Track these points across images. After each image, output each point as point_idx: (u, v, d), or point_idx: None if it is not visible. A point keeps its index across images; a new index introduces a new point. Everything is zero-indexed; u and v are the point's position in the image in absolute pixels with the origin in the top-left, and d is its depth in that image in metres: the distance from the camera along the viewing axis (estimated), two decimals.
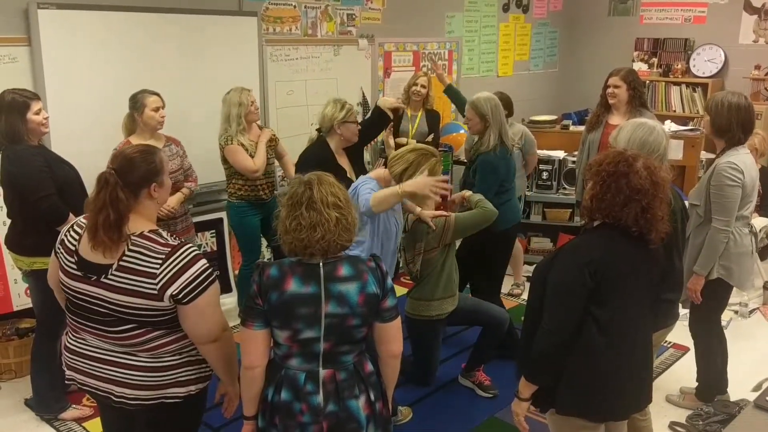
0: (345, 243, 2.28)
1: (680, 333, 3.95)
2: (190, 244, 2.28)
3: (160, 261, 2.18)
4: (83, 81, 4.41)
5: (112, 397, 2.33)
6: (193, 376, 2.33)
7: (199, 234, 5.07)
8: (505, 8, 7.54)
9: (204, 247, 5.14)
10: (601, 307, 2.37)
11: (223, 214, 5.19)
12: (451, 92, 5.29)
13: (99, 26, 4.45)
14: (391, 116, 4.33)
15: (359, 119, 4.50)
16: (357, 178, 3.72)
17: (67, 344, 2.41)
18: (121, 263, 2.20)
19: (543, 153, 6.19)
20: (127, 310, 2.21)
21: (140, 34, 4.64)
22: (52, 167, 3.42)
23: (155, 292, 2.17)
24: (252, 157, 4.38)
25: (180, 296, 2.18)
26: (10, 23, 4.17)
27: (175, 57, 4.83)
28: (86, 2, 4.39)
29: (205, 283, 2.21)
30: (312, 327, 2.22)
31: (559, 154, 6.19)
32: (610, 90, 4.63)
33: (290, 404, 2.25)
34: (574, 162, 5.88)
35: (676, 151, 6.50)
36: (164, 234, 2.28)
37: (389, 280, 2.34)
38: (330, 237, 2.22)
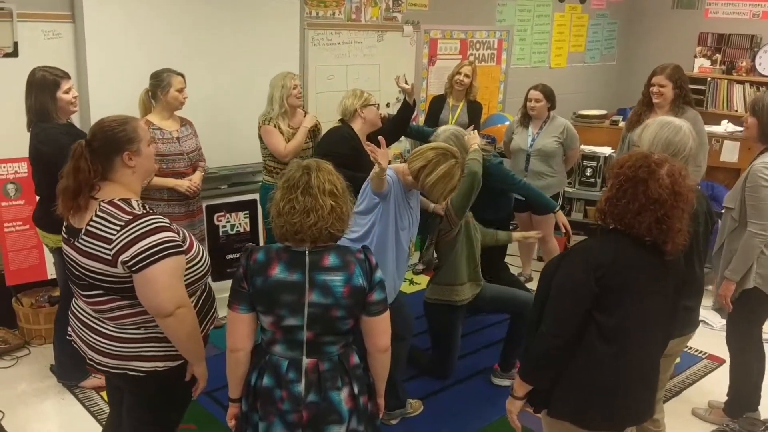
0: (337, 232, 2.26)
1: (716, 343, 3.79)
2: (158, 217, 2.28)
3: (118, 228, 2.21)
4: (124, 58, 4.50)
5: (87, 359, 2.42)
6: (159, 353, 2.35)
7: (233, 214, 5.15)
8: None
9: (237, 228, 5.21)
10: (605, 314, 2.28)
11: (257, 196, 5.24)
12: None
13: (141, 5, 4.53)
14: (413, 106, 4.36)
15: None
16: None
17: (71, 307, 2.52)
18: (88, 227, 2.25)
19: (588, 149, 6.04)
20: (92, 275, 2.26)
21: (182, 13, 4.70)
22: None
23: (109, 257, 2.20)
24: (288, 141, 4.40)
25: (131, 263, 2.19)
26: (55, 0, 4.28)
27: (216, 37, 4.87)
28: None
29: (160, 255, 2.20)
30: (295, 315, 2.21)
31: (606, 150, 6.02)
32: (655, 89, 4.46)
33: (271, 390, 2.25)
34: None
35: (731, 153, 6.26)
36: (136, 203, 2.30)
37: (378, 273, 2.30)
38: (322, 224, 2.20)
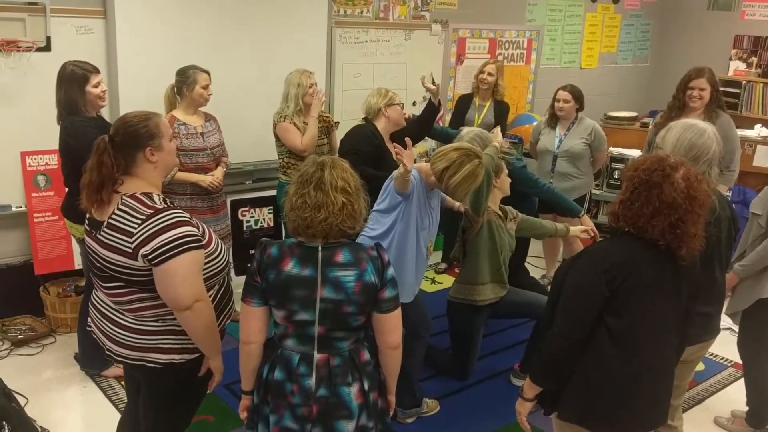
0: (347, 229, 2.26)
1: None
2: (178, 211, 2.32)
3: (139, 221, 2.25)
4: (153, 53, 4.56)
5: (105, 350, 2.47)
6: (175, 346, 2.39)
7: (257, 210, 5.20)
8: None
9: (261, 223, 5.26)
10: (616, 317, 2.26)
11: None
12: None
13: (171, 2, 4.60)
14: (438, 106, 4.36)
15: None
16: None
17: (91, 298, 2.57)
18: (110, 220, 2.29)
19: (617, 151, 5.98)
20: (113, 267, 2.30)
21: (211, 10, 4.76)
22: None
23: (130, 250, 2.24)
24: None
25: (151, 257, 2.23)
26: None
27: (244, 35, 4.92)
28: None
29: (180, 249, 2.23)
30: (307, 310, 2.23)
31: (635, 153, 5.94)
32: (695, 93, 4.38)
33: (282, 384, 2.27)
34: None
35: (764, 158, 6.15)
36: (157, 198, 2.33)
37: (390, 271, 2.30)
38: (332, 220, 2.22)
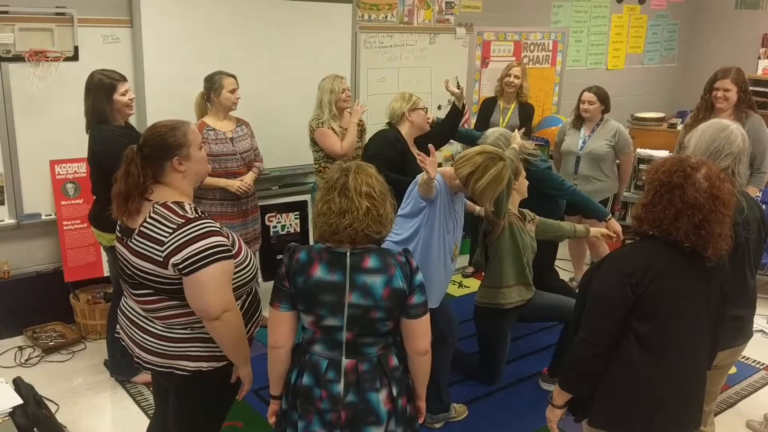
0: (374, 234, 2.25)
1: None
2: (209, 221, 2.32)
3: (171, 230, 2.25)
4: (180, 62, 4.61)
5: (134, 357, 2.47)
6: (204, 353, 2.38)
7: (284, 215, 5.21)
8: None
9: (287, 228, 5.27)
10: (643, 322, 2.22)
11: (307, 197, 5.28)
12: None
13: (196, 10, 4.64)
14: (462, 110, 4.33)
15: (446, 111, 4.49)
16: None
17: (120, 305, 2.58)
18: (141, 228, 2.30)
19: (645, 152, 5.90)
20: (143, 274, 2.31)
21: (236, 18, 4.79)
22: None
23: (161, 259, 2.25)
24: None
25: (181, 266, 2.23)
26: (114, 6, 4.43)
27: (270, 41, 4.95)
28: None
29: (210, 259, 2.23)
30: (335, 315, 2.22)
31: (663, 154, 5.84)
32: (720, 94, 4.32)
33: (311, 389, 2.26)
34: None
35: None
36: (189, 207, 2.33)
37: (419, 276, 2.29)
38: (357, 226, 2.20)
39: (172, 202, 2.32)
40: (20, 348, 4.21)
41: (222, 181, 4.08)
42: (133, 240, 2.32)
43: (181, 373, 2.39)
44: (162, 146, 2.34)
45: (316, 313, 2.23)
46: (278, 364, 2.32)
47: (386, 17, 5.55)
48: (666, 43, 7.89)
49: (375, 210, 2.24)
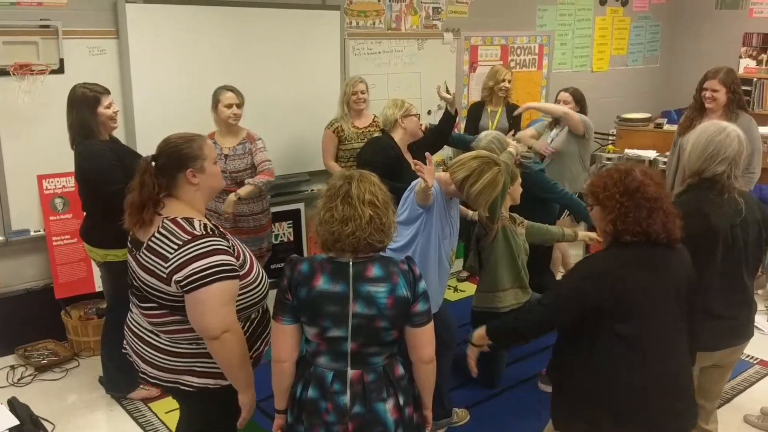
0: (376, 243, 2.23)
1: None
2: (216, 239, 2.28)
3: (176, 246, 2.23)
4: (167, 72, 4.58)
5: (139, 372, 2.44)
6: (210, 370, 2.35)
7: (277, 224, 5.17)
8: (603, 1, 7.26)
9: (281, 237, 5.23)
10: (622, 323, 2.27)
11: (300, 206, 5.26)
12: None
13: (183, 20, 4.61)
14: (455, 116, 4.38)
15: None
16: None
17: (127, 320, 2.56)
18: (149, 243, 2.29)
19: (633, 153, 5.94)
20: (149, 289, 2.30)
21: (224, 27, 4.76)
22: (122, 160, 3.48)
23: (164, 275, 2.23)
24: (344, 142, 4.64)
25: (183, 283, 2.21)
26: (99, 17, 4.38)
27: (258, 50, 4.93)
28: None
29: (212, 278, 2.21)
30: (339, 326, 2.20)
31: (650, 154, 5.90)
32: (707, 94, 4.32)
33: (316, 402, 2.23)
34: (665, 163, 5.57)
35: None
36: (198, 223, 2.31)
37: (422, 284, 2.27)
38: (360, 234, 2.18)
39: (181, 218, 2.30)
40: (12, 367, 4.14)
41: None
42: (141, 254, 2.29)
43: (186, 388, 2.36)
44: (176, 157, 2.34)
45: (320, 324, 2.21)
46: (283, 378, 2.29)
47: (374, 24, 5.54)
48: (649, 44, 7.95)
49: (378, 218, 2.22)
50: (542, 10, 6.75)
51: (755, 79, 7.16)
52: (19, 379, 4.03)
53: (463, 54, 6.17)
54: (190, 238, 2.24)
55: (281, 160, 4.93)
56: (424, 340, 2.29)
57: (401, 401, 2.28)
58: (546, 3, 6.77)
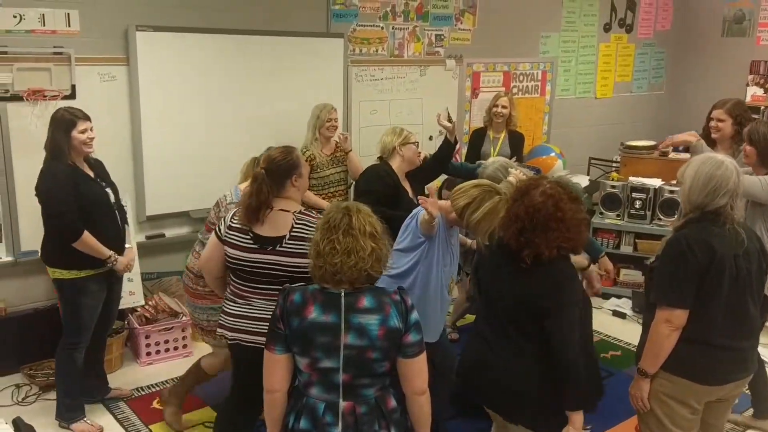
0: (375, 273, 2.29)
1: None
2: None
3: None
4: (176, 98, 4.68)
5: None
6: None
7: None
8: (606, 28, 7.33)
9: None
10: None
11: None
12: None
13: (192, 47, 4.71)
14: (454, 144, 4.41)
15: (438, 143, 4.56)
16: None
17: (229, 310, 2.99)
18: (293, 233, 2.85)
19: (637, 180, 5.96)
20: (298, 269, 2.78)
21: (231, 54, 4.87)
22: (79, 186, 3.53)
23: None
24: (316, 170, 4.73)
25: None
26: (110, 44, 4.49)
27: (264, 76, 5.03)
28: (180, 25, 4.67)
29: None
30: (330, 357, 2.24)
31: (655, 182, 5.91)
32: (713, 123, 4.32)
33: None
34: (672, 192, 5.61)
35: None
36: (314, 212, 2.96)
37: (414, 314, 2.31)
38: (362, 265, 2.24)
39: (305, 210, 2.95)
40: (17, 386, 4.22)
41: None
42: (285, 244, 2.84)
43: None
44: (285, 167, 2.94)
45: (311, 355, 2.25)
46: (275, 408, 2.33)
47: (377, 51, 5.64)
48: (654, 71, 8.00)
49: (378, 250, 2.28)
50: (545, 37, 6.83)
51: (762, 107, 7.18)
52: (23, 398, 4.10)
53: (465, 80, 6.25)
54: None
55: None
56: (416, 371, 2.31)
57: None
58: (549, 30, 6.85)
